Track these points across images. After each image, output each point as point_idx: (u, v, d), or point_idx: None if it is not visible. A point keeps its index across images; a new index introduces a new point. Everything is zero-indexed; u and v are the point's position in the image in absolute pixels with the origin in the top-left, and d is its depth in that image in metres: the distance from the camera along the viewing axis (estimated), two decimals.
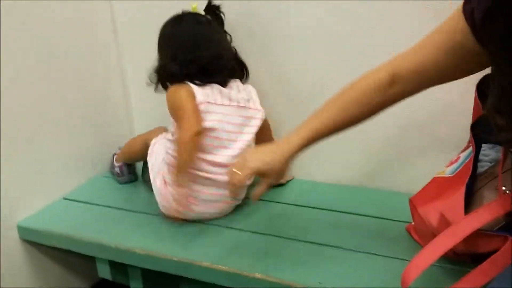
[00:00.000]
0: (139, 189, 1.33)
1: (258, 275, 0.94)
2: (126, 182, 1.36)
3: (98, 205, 1.26)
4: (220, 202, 1.12)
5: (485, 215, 0.78)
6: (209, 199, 1.11)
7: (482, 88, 0.91)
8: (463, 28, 0.70)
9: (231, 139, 1.10)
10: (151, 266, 1.07)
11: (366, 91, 0.83)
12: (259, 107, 1.15)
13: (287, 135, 0.88)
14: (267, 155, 0.88)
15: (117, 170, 1.36)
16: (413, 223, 1.01)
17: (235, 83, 1.15)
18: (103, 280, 1.39)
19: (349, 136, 1.21)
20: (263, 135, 1.18)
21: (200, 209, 1.11)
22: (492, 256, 0.75)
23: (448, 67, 0.76)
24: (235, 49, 1.19)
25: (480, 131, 0.90)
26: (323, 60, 1.21)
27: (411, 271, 0.79)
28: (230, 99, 1.10)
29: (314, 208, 1.17)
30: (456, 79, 0.80)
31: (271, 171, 0.87)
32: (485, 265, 0.74)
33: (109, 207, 1.25)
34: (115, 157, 1.38)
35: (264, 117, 1.16)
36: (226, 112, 1.10)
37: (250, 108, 1.13)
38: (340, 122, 0.86)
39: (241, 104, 1.12)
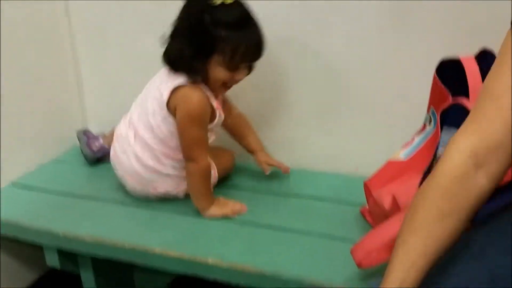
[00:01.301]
0: (89, 175, 1.29)
1: (210, 260, 0.92)
2: (94, 159, 1.32)
3: (47, 191, 1.21)
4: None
5: None
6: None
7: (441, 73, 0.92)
8: None
9: None
10: (101, 254, 1.03)
11: (450, 197, 0.62)
12: None
13: None
14: None
15: (97, 144, 1.31)
16: (367, 207, 1.01)
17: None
18: (53, 270, 1.35)
19: (305, 119, 1.24)
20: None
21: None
22: None
23: None
24: None
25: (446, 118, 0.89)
26: None
27: (358, 250, 0.81)
28: None
29: (268, 193, 1.16)
30: None
31: None
32: None
33: (59, 193, 1.20)
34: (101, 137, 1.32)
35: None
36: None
37: None
38: (430, 252, 0.62)
39: None
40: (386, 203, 0.87)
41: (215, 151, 1.14)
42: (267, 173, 1.16)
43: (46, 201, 1.16)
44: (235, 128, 1.18)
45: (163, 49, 1.03)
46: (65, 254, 1.10)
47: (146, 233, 1.02)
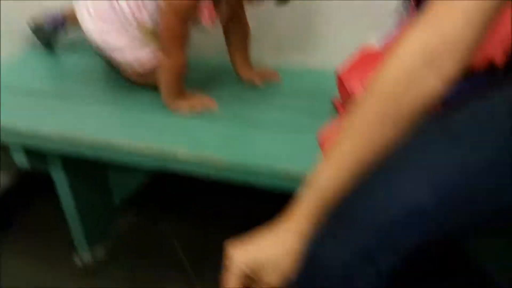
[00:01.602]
0: (52, 71, 1.23)
1: (180, 152, 0.91)
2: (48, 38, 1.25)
3: (10, 90, 1.15)
4: None
5: None
6: None
7: None
8: None
9: None
10: (68, 151, 1.00)
11: (395, 99, 0.54)
12: None
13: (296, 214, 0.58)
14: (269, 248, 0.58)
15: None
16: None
17: None
18: (27, 174, 1.34)
19: (275, 12, 1.17)
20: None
21: None
22: None
23: None
24: None
25: None
26: None
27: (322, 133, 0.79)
28: None
29: (239, 88, 1.12)
30: None
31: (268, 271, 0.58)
32: None
33: (22, 92, 1.15)
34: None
35: None
36: None
37: None
38: (366, 157, 0.56)
39: None
40: (356, 90, 0.85)
41: None
42: (260, 84, 1.12)
43: (10, 100, 1.12)
44: (228, 36, 1.12)
45: None
46: (33, 154, 1.08)
47: (113, 128, 1.00)
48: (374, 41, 0.91)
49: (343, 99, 0.96)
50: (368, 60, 0.89)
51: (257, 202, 1.25)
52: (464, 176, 0.57)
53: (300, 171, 0.83)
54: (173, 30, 0.97)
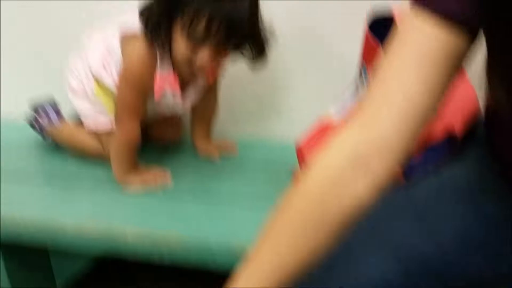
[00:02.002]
0: None
1: (128, 232, 0.83)
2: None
3: None
4: None
5: None
6: None
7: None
8: (437, 27, 0.48)
9: None
10: (5, 236, 0.90)
11: (318, 204, 0.49)
12: None
13: None
14: None
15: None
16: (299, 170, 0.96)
17: None
18: None
19: (235, 82, 1.16)
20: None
21: None
22: None
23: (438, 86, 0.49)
24: None
25: None
26: None
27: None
28: None
29: (195, 160, 1.08)
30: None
31: None
32: None
33: None
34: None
35: None
36: None
37: None
38: (291, 267, 0.50)
39: None
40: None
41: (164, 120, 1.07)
42: (217, 159, 1.07)
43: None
44: (193, 109, 1.07)
45: None
46: None
47: (55, 208, 0.92)
48: (333, 113, 0.90)
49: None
50: (327, 132, 0.87)
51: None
52: (430, 249, 0.57)
53: None
54: (126, 100, 0.92)
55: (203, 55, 0.84)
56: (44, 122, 1.09)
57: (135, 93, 0.91)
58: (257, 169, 1.03)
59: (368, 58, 0.89)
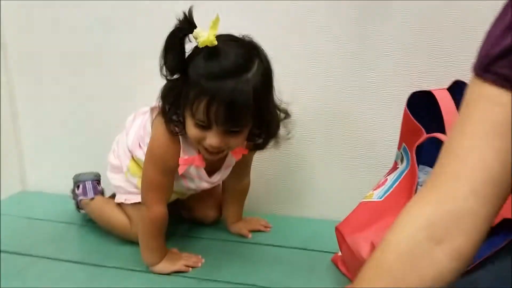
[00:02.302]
0: (20, 229, 1.13)
1: None
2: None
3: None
4: None
5: None
6: None
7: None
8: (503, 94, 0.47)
9: None
10: None
11: (397, 280, 0.48)
12: None
13: None
14: None
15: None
16: (340, 254, 0.91)
17: None
18: None
19: (268, 160, 1.15)
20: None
21: None
22: None
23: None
24: None
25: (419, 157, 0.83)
26: None
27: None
28: None
29: (229, 240, 1.03)
30: None
31: None
32: None
33: None
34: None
35: None
36: None
37: None
38: None
39: None
40: (364, 251, 0.78)
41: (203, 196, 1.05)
42: (248, 236, 1.04)
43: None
44: (225, 189, 1.06)
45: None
46: None
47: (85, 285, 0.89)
48: (373, 195, 0.87)
49: (344, 256, 0.88)
50: (370, 215, 0.83)
51: None
52: None
53: None
54: (150, 179, 0.90)
55: (210, 138, 0.81)
56: (80, 194, 1.10)
57: (158, 171, 0.89)
58: (291, 251, 0.99)
59: (409, 138, 0.87)
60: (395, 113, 0.96)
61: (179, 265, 0.93)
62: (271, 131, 0.88)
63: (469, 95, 0.50)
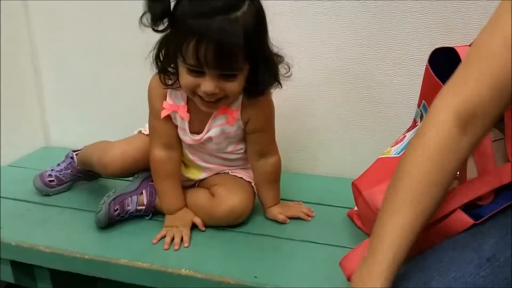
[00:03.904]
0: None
1: (184, 271, 0.82)
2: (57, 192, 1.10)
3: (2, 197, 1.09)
4: None
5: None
6: None
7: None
8: None
9: None
10: (60, 267, 0.91)
11: (438, 166, 0.58)
12: None
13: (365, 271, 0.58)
14: None
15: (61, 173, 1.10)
16: (355, 209, 0.93)
17: None
18: (10, 285, 1.22)
19: (286, 120, 1.16)
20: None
21: None
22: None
23: None
24: None
25: None
26: None
27: (353, 259, 0.71)
28: None
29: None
30: None
31: None
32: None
33: (13, 200, 1.07)
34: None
35: None
36: None
37: None
38: (421, 224, 0.58)
39: None
40: (380, 203, 0.78)
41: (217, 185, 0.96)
42: (287, 222, 0.96)
43: None
44: (255, 176, 0.98)
45: None
46: (19, 266, 0.98)
47: (109, 242, 0.92)
48: (391, 151, 0.87)
49: (360, 210, 0.89)
50: (387, 170, 0.83)
51: None
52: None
53: None
54: (150, 125, 0.94)
55: (204, 84, 0.80)
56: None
57: (152, 117, 0.92)
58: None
59: (429, 95, 0.86)
60: (415, 72, 0.96)
61: (173, 231, 0.91)
62: (267, 78, 0.85)
63: (501, 6, 0.57)
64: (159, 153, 0.93)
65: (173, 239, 0.89)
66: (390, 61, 1.05)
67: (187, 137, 0.93)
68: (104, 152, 0.98)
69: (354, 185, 0.89)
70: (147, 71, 1.03)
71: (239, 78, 0.81)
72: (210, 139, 0.92)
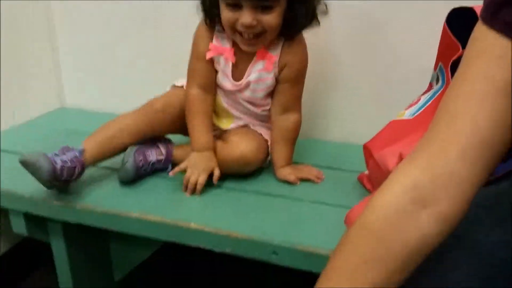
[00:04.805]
0: (61, 138, 1.17)
1: (193, 225, 0.83)
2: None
3: (13, 152, 1.10)
4: None
5: None
6: None
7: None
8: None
9: None
10: (72, 219, 0.93)
11: (379, 240, 0.48)
12: None
13: None
14: None
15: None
16: (366, 172, 0.93)
17: None
18: (25, 240, 1.25)
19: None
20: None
21: None
22: None
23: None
24: None
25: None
26: None
27: (353, 217, 0.72)
28: None
29: None
30: None
31: None
32: None
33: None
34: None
35: None
36: None
37: None
38: None
39: None
40: (391, 164, 0.79)
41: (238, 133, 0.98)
42: (297, 183, 0.96)
43: (13, 162, 1.06)
44: (272, 132, 0.99)
45: None
46: (32, 219, 1.00)
47: (122, 197, 0.93)
48: (405, 114, 0.87)
49: (370, 172, 0.89)
50: (400, 131, 0.84)
51: None
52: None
53: (323, 249, 0.76)
54: (189, 66, 0.96)
55: (242, 17, 0.84)
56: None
57: (193, 57, 0.95)
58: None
59: (446, 56, 0.85)
60: (431, 34, 0.94)
61: (195, 173, 0.91)
62: (304, 14, 0.88)
63: (471, 47, 0.49)
64: (195, 92, 0.95)
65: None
66: (407, 14, 1.03)
67: (228, 82, 0.95)
68: (151, 102, 0.98)
69: (365, 147, 0.89)
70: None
71: (276, 11, 0.85)
72: (248, 84, 0.94)
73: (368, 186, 0.92)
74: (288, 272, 0.81)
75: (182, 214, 0.86)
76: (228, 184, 0.95)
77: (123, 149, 0.96)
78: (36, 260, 1.30)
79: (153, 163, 0.97)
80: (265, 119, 1.00)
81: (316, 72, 1.13)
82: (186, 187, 0.91)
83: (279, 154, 0.97)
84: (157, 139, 1.00)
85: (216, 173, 0.92)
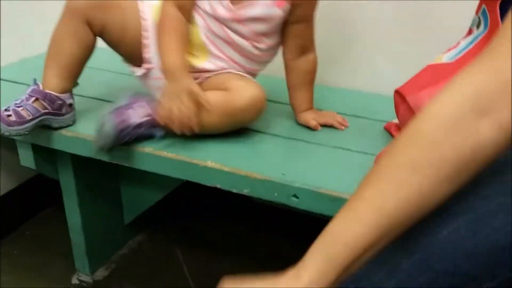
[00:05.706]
0: None
1: (210, 163, 0.79)
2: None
3: (17, 82, 1.05)
4: None
5: None
6: None
7: None
8: None
9: None
10: (83, 152, 0.89)
11: (431, 145, 0.45)
12: None
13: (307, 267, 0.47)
14: None
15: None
16: (394, 121, 0.88)
17: None
18: (36, 177, 1.23)
19: (324, 28, 1.07)
20: None
21: None
22: None
23: None
24: None
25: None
26: None
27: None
28: None
29: (285, 103, 0.98)
30: None
31: None
32: None
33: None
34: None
35: None
36: None
37: None
38: (394, 215, 0.46)
39: None
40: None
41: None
42: (319, 128, 0.90)
43: (17, 91, 1.01)
44: (288, 75, 0.92)
45: None
46: (41, 151, 0.96)
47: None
48: (443, 58, 0.80)
49: (400, 120, 0.84)
50: (437, 75, 0.77)
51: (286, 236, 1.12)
52: None
53: (346, 193, 0.71)
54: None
55: None
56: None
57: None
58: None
59: None
60: None
61: (176, 103, 0.78)
62: None
63: None
64: (171, 10, 0.82)
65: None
66: None
67: (221, 8, 0.82)
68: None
69: (396, 92, 0.83)
70: None
71: None
72: (249, 18, 0.82)
73: (396, 134, 0.87)
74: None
75: (198, 152, 0.81)
76: (253, 127, 0.90)
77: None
78: (44, 200, 1.28)
79: (137, 126, 0.81)
80: (250, 62, 0.88)
81: (345, 17, 1.07)
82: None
83: (301, 99, 0.92)
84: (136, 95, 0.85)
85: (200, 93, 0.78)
